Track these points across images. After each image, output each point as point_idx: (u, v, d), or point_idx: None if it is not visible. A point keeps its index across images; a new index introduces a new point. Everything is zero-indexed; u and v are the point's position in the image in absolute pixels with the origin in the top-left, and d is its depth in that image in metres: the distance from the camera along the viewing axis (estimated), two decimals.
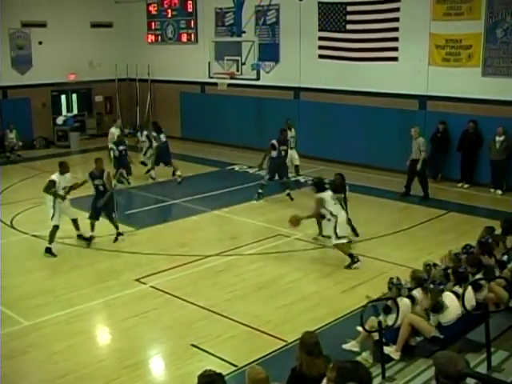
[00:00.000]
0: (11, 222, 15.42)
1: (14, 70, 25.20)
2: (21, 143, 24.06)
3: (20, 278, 12.02)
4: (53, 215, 13.28)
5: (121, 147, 18.30)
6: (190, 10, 25.26)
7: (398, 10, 19.03)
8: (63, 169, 13.48)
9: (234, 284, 11.53)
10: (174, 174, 19.31)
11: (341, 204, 12.69)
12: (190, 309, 10.52)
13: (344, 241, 12.22)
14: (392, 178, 18.67)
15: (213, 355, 8.90)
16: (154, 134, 19.54)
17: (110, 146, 19.09)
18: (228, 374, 7.65)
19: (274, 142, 16.80)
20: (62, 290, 11.39)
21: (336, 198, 12.48)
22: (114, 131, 20.12)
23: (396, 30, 19.17)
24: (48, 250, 13.17)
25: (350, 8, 20.17)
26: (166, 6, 26.19)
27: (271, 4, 21.22)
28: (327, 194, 12.38)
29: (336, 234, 12.05)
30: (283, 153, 16.99)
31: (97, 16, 26.99)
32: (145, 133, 20.32)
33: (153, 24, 26.96)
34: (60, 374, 8.53)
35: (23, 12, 24.78)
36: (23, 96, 25.12)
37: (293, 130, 18.84)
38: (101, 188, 13.73)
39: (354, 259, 12.19)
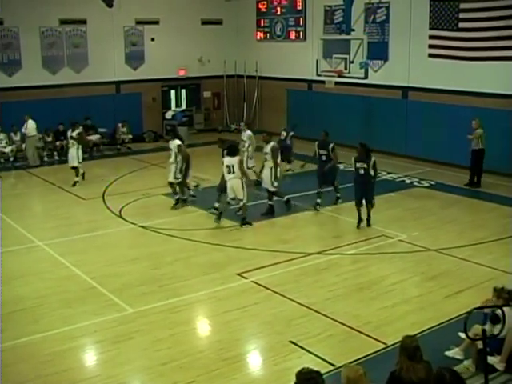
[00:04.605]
0: (120, 213, 15.97)
1: (127, 65, 26.08)
2: (131, 136, 24.88)
3: (127, 267, 12.43)
4: None
5: None
6: (299, 8, 25.31)
7: None
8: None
9: (335, 283, 11.47)
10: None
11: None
12: (290, 305, 10.55)
13: None
14: (503, 183, 18.09)
15: (311, 353, 8.89)
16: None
17: None
18: (325, 373, 7.63)
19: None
20: (167, 280, 11.70)
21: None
22: None
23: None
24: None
25: (462, 6, 19.59)
26: (275, 3, 26.38)
27: (381, 1, 20.98)
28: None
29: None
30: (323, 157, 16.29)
31: (207, 13, 27.52)
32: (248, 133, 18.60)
33: (262, 21, 27.25)
34: (162, 362, 8.74)
35: (138, 10, 25.65)
36: (135, 91, 25.97)
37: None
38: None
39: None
